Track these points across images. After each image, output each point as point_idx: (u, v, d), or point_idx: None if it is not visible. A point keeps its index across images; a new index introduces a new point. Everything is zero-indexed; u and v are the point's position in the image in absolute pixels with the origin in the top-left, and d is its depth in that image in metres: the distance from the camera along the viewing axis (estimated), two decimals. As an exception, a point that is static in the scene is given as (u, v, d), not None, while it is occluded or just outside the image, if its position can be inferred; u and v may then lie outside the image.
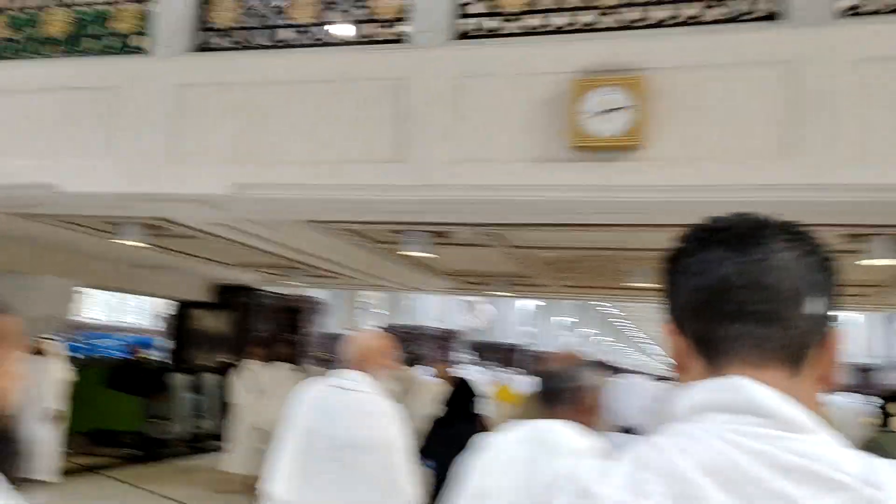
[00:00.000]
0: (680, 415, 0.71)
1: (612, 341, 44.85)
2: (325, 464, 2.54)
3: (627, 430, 4.85)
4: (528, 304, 25.81)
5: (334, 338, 25.50)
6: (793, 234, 0.75)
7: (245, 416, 7.89)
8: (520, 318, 25.87)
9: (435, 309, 19.24)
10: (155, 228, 6.57)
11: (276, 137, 4.41)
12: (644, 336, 55.64)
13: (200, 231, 6.29)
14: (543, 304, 26.19)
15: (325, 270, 8.62)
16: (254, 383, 8.04)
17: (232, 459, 7.60)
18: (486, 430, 4.30)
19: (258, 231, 5.92)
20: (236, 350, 11.28)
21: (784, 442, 0.65)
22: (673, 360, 0.78)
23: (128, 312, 22.54)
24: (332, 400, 2.60)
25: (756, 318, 0.72)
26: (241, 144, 4.40)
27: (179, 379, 9.21)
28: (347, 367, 2.69)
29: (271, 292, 11.69)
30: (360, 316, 25.70)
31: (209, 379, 10.01)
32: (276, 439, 2.72)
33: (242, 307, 11.34)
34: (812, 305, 0.72)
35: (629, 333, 50.31)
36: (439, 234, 6.05)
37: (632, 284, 7.04)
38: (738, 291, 0.72)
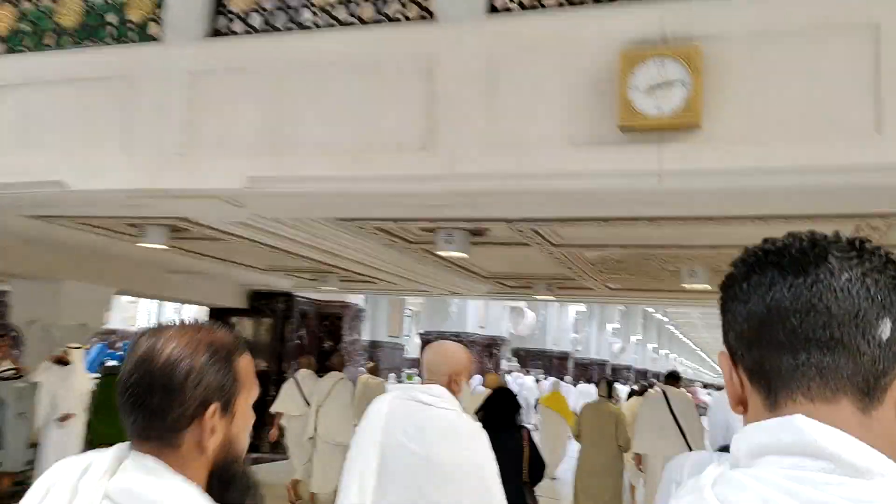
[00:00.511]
0: (739, 459, 0.68)
1: (659, 347, 43.59)
2: (407, 482, 2.30)
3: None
4: (574, 309, 25.15)
5: (378, 346, 25.29)
6: (857, 250, 0.71)
7: (298, 426, 7.71)
8: (566, 324, 25.22)
9: (477, 315, 18.80)
10: (178, 231, 6.32)
11: (296, 126, 4.06)
12: (692, 343, 54.19)
13: (223, 232, 6.01)
14: (584, 309, 25.48)
15: (360, 274, 8.28)
16: (306, 393, 7.89)
17: (293, 468, 7.77)
18: (529, 443, 3.94)
19: (283, 231, 5.59)
20: (272, 358, 11.05)
21: (845, 489, 0.60)
22: (730, 395, 0.75)
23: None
24: (414, 415, 2.36)
25: (816, 346, 0.68)
26: (257, 134, 4.06)
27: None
28: (427, 380, 2.47)
29: (308, 298, 11.44)
30: (406, 323, 25.43)
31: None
32: (347, 454, 2.50)
33: (278, 314, 11.11)
34: (884, 330, 0.67)
35: (680, 339, 48.92)
36: (475, 233, 5.63)
37: (685, 287, 6.48)
38: (792, 317, 0.68)
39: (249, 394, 1.19)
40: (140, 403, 1.07)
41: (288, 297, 11.12)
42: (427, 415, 2.34)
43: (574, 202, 3.97)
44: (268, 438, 10.81)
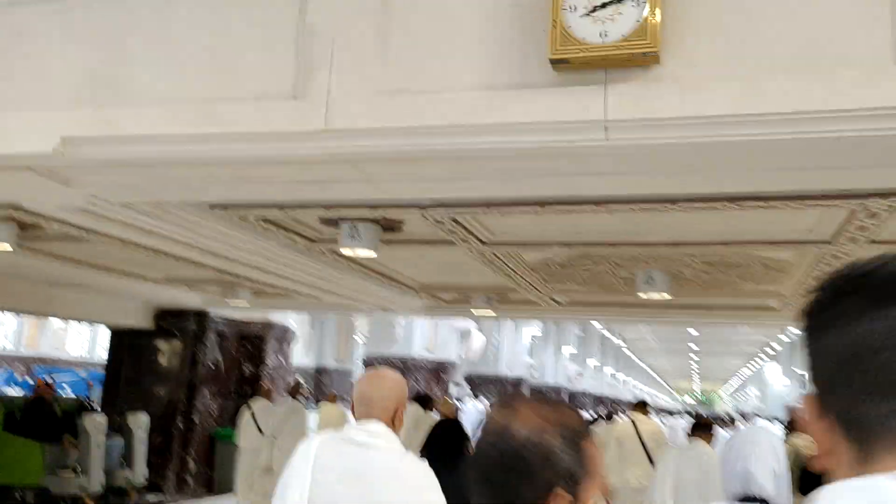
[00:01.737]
0: None
1: (617, 373, 42.97)
2: None
3: (753, 500, 3.27)
4: (529, 333, 24.23)
5: (324, 371, 23.82)
6: None
7: (249, 459, 7.41)
8: (521, 348, 24.25)
9: (425, 338, 17.68)
10: (26, 228, 5.12)
11: (129, 69, 2.97)
12: (650, 369, 53.88)
13: (80, 228, 4.83)
14: (539, 333, 24.59)
15: (272, 286, 7.14)
16: (261, 423, 7.55)
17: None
18: None
19: (149, 225, 4.44)
20: (179, 386, 9.73)
21: None
22: (818, 445, 0.67)
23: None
24: (348, 460, 2.03)
25: None
26: (78, 81, 2.97)
27: (94, 421, 7.63)
28: (363, 415, 2.13)
29: (226, 317, 10.18)
30: (357, 348, 24.04)
31: (139, 420, 8.44)
32: None
33: (189, 335, 9.82)
34: None
35: (638, 364, 48.52)
36: (387, 227, 4.58)
37: (642, 296, 5.51)
38: (884, 354, 0.61)
39: (594, 483, 1.13)
40: (492, 481, 1.08)
41: (201, 315, 9.85)
42: (365, 458, 2.01)
43: (494, 173, 2.95)
44: (172, 478, 9.49)
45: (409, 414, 9.32)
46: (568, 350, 29.08)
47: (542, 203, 3.69)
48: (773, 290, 5.83)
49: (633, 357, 44.07)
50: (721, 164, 2.64)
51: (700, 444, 4.87)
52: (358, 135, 2.68)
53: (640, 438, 6.36)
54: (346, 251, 4.54)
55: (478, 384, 23.38)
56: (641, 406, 7.05)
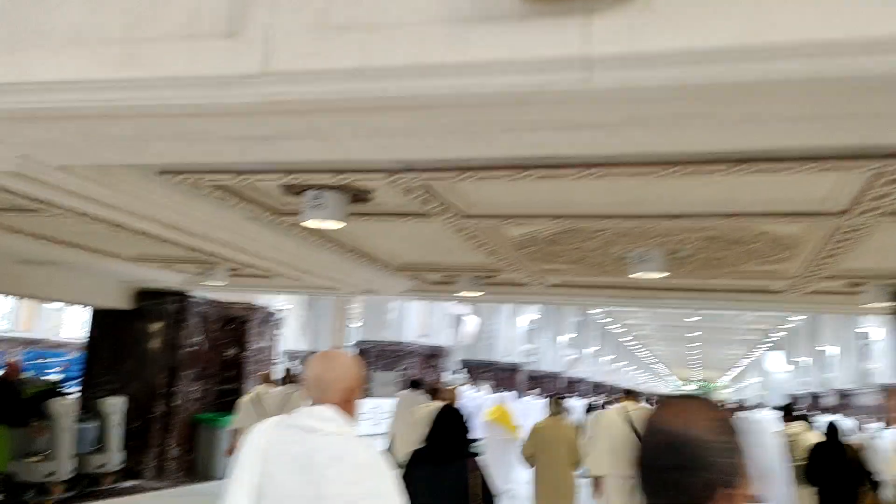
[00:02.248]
0: None
1: (615, 360, 42.70)
2: None
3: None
4: (527, 318, 23.89)
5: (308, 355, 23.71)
6: None
7: None
8: (518, 334, 23.92)
9: (418, 323, 17.35)
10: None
11: (42, 6, 2.58)
12: (652, 356, 53.59)
13: (27, 198, 4.45)
14: (537, 317, 24.26)
15: (244, 265, 6.76)
16: (263, 410, 7.22)
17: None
18: (476, 472, 3.26)
19: (93, 192, 4.06)
20: (160, 370, 9.39)
21: None
22: None
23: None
24: (298, 446, 1.89)
25: None
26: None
27: (63, 405, 7.29)
28: (316, 400, 1.99)
29: (208, 299, 9.82)
30: (348, 331, 23.63)
31: (115, 404, 8.10)
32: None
33: (170, 316, 9.46)
34: None
35: (635, 351, 48.22)
36: (357, 198, 4.18)
37: (636, 277, 5.12)
38: None
39: (748, 483, 1.12)
40: (665, 481, 1.11)
41: (182, 296, 9.49)
42: (315, 444, 1.91)
43: (458, 126, 2.55)
44: (151, 464, 9.17)
45: (406, 400, 8.99)
46: (566, 336, 28.74)
47: (520, 167, 3.29)
48: (779, 269, 5.44)
49: (633, 345, 43.76)
50: (724, 112, 2.24)
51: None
52: (300, 78, 2.28)
53: (632, 426, 6.07)
54: (310, 223, 4.14)
55: (474, 370, 23.09)
56: (631, 394, 6.77)
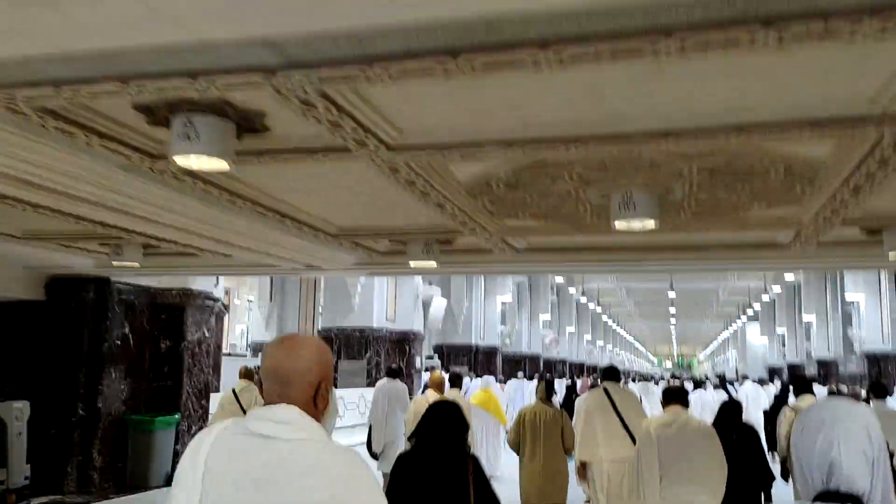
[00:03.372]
0: None
1: (594, 339, 42.09)
2: None
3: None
4: (501, 300, 22.98)
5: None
6: None
7: None
8: (493, 315, 23.00)
9: (385, 307, 16.28)
10: None
11: None
12: (628, 335, 53.24)
13: None
14: (510, 300, 23.38)
15: (148, 237, 5.63)
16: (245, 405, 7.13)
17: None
18: (475, 475, 2.90)
19: None
20: (75, 367, 8.22)
21: None
22: None
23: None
24: (252, 458, 1.50)
25: None
26: None
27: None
28: (275, 397, 1.58)
29: (134, 285, 8.64)
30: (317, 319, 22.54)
31: (16, 410, 6.95)
32: None
33: (87, 307, 8.28)
34: None
35: (615, 330, 47.75)
36: (245, 127, 3.10)
37: (620, 228, 4.11)
38: None
39: None
40: None
41: (101, 283, 8.29)
42: (274, 455, 1.48)
43: None
44: (73, 475, 8.04)
45: (385, 390, 8.19)
46: (543, 317, 27.92)
47: (448, 52, 2.24)
48: (790, 215, 4.47)
49: (611, 323, 43.23)
50: None
51: (679, 411, 4.25)
52: None
53: (614, 408, 5.61)
54: (179, 159, 3.05)
55: (449, 355, 22.13)
56: (612, 372, 6.05)
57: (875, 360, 17.07)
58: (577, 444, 5.66)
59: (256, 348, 21.63)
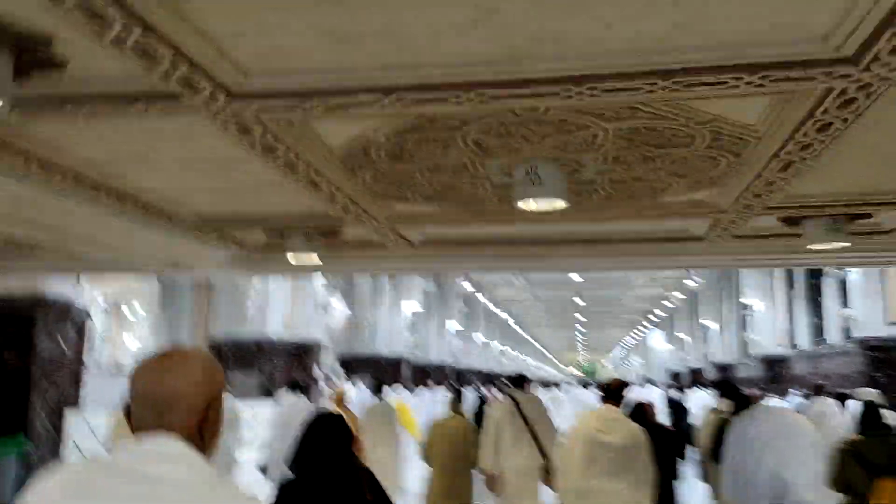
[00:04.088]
0: None
1: (504, 348, 42.14)
2: None
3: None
4: (409, 308, 22.31)
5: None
6: None
7: None
8: (400, 324, 22.27)
9: (282, 314, 15.21)
10: None
11: None
12: (537, 342, 53.80)
13: None
14: (420, 309, 22.79)
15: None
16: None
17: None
18: (374, 486, 2.63)
19: None
20: None
21: None
22: None
23: None
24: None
25: None
26: None
27: None
28: (147, 429, 1.27)
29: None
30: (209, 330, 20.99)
31: None
32: None
33: None
34: None
35: (525, 338, 48.07)
36: (30, 62, 2.28)
37: (525, 209, 3.51)
38: None
39: None
40: None
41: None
42: (149, 500, 1.15)
43: None
44: None
45: (288, 407, 7.59)
46: (453, 325, 27.46)
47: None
48: (710, 200, 4.02)
49: (520, 331, 43.45)
50: None
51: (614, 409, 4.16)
52: None
53: (522, 417, 5.38)
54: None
55: (352, 366, 21.18)
56: (521, 380, 5.76)
57: (770, 363, 17.55)
58: (483, 454, 5.41)
59: (146, 362, 19.88)
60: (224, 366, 9.99)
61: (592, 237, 5.01)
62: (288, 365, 15.16)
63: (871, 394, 7.87)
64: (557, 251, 5.28)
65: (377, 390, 7.52)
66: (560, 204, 3.37)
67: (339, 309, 16.17)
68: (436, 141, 3.05)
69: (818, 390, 7.96)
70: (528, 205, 3.37)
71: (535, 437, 5.25)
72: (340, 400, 7.25)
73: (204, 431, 1.31)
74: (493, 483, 5.35)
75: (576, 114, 2.74)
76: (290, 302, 15.55)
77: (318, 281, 16.17)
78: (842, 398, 9.81)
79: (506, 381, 6.02)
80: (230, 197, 4.14)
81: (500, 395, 10.07)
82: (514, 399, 5.48)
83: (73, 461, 1.33)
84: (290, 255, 4.92)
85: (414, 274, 14.75)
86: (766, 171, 3.34)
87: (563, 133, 2.93)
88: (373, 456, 6.61)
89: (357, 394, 16.96)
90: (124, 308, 23.55)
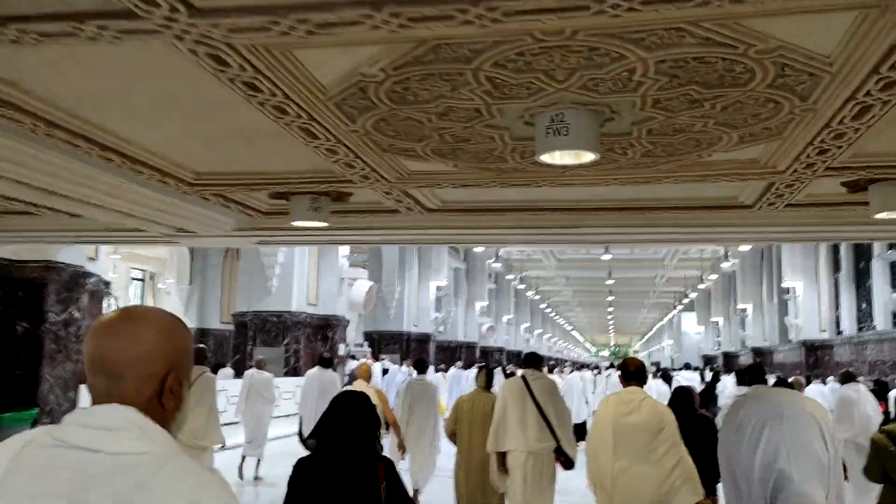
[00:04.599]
0: None
1: (532, 328, 41.66)
2: None
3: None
4: (435, 285, 21.97)
5: (207, 334, 20.75)
6: None
7: None
8: (427, 302, 21.96)
9: (306, 290, 14.97)
10: None
11: None
12: (566, 323, 53.18)
13: None
14: (445, 283, 22.41)
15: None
16: None
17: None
18: (391, 476, 2.53)
19: None
20: None
21: None
22: None
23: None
24: (64, 480, 1.09)
25: None
26: None
27: None
28: (99, 398, 1.19)
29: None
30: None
31: None
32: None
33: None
34: None
35: (553, 319, 47.52)
36: None
37: (554, 161, 3.06)
38: None
39: None
40: None
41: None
42: (86, 476, 1.08)
43: None
44: None
45: (315, 380, 8.02)
46: (480, 304, 27.07)
47: None
48: (765, 157, 3.50)
49: (549, 311, 42.92)
50: None
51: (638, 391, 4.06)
52: None
53: (532, 397, 5.13)
54: None
55: (378, 342, 20.97)
56: (534, 360, 5.48)
57: (812, 349, 16.81)
58: (490, 433, 5.22)
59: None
60: (247, 340, 9.87)
61: (626, 204, 4.52)
62: (311, 340, 14.99)
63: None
64: (586, 219, 4.80)
65: (422, 369, 7.47)
66: (589, 157, 2.90)
67: (361, 283, 15.85)
68: (443, 78, 2.59)
69: (846, 378, 7.61)
70: (553, 157, 2.90)
71: (545, 418, 5.02)
72: (367, 376, 6.99)
73: (164, 401, 1.20)
74: (501, 463, 5.18)
75: (609, 39, 2.26)
76: (315, 277, 15.32)
77: (343, 255, 15.87)
78: (883, 386, 9.26)
79: (501, 365, 5.70)
80: (224, 150, 3.75)
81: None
82: (524, 378, 5.23)
83: (31, 432, 1.19)
84: (296, 222, 4.54)
85: (430, 243, 14.17)
86: (836, 120, 2.81)
87: (594, 67, 2.45)
88: (411, 433, 6.80)
89: (382, 371, 16.77)
90: (159, 283, 23.71)
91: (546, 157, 2.90)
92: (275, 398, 9.06)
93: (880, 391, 10.73)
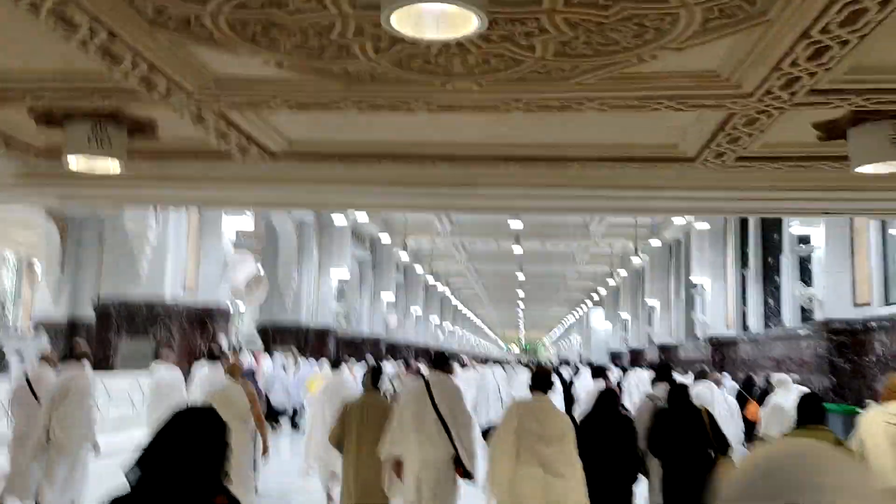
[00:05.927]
0: None
1: (443, 322, 40.78)
2: None
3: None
4: (337, 276, 20.55)
5: (74, 326, 18.39)
6: None
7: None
8: (328, 293, 20.49)
9: (181, 274, 13.21)
10: None
11: None
12: (477, 318, 52.73)
13: None
14: (348, 277, 21.04)
15: None
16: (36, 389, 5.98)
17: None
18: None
19: None
20: None
21: None
22: None
23: None
24: None
25: None
26: None
27: None
28: None
29: None
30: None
31: None
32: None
33: None
34: None
35: (464, 314, 46.87)
36: None
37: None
38: None
39: None
40: None
41: None
42: None
43: None
44: None
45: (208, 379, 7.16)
46: (387, 296, 25.83)
47: None
48: (723, 66, 2.45)
49: (460, 306, 42.19)
50: None
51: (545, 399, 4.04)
52: None
53: (432, 401, 4.62)
54: None
55: (274, 335, 19.31)
56: (440, 361, 4.92)
57: (718, 345, 16.58)
58: (383, 438, 4.75)
59: (46, 328, 17.54)
60: (111, 330, 8.15)
61: (533, 152, 3.39)
62: (188, 332, 13.27)
63: (785, 379, 7.05)
64: (484, 176, 3.65)
65: (335, 365, 7.17)
66: (472, 22, 1.72)
67: (247, 269, 14.26)
68: None
69: (700, 375, 7.74)
70: (409, 14, 1.71)
71: (445, 426, 4.55)
72: (236, 372, 5.58)
73: None
74: (398, 470, 4.70)
75: None
76: (195, 260, 13.59)
77: (230, 238, 14.15)
78: (749, 382, 9.41)
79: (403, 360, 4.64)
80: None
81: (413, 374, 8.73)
82: (426, 381, 4.60)
83: None
84: (72, 161, 3.16)
85: (276, 207, 11.64)
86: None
87: None
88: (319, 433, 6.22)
89: (274, 368, 15.17)
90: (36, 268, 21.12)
91: (400, 16, 1.70)
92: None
93: (747, 388, 10.42)
